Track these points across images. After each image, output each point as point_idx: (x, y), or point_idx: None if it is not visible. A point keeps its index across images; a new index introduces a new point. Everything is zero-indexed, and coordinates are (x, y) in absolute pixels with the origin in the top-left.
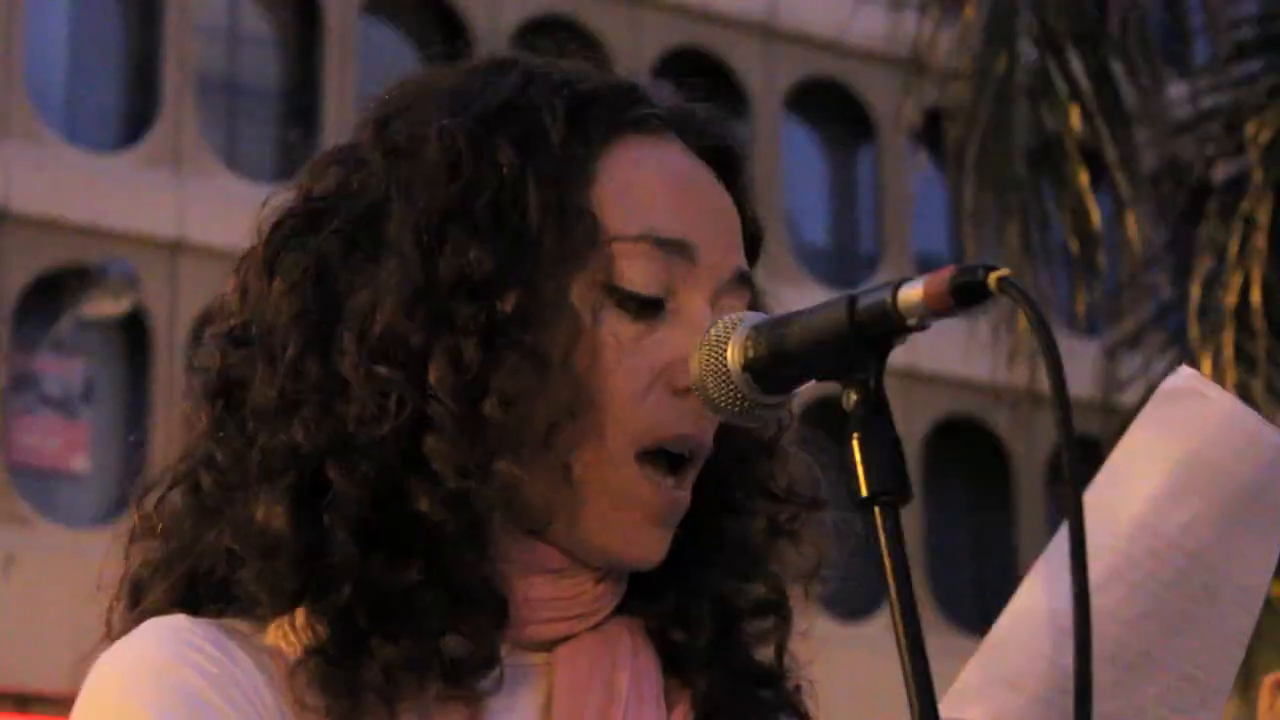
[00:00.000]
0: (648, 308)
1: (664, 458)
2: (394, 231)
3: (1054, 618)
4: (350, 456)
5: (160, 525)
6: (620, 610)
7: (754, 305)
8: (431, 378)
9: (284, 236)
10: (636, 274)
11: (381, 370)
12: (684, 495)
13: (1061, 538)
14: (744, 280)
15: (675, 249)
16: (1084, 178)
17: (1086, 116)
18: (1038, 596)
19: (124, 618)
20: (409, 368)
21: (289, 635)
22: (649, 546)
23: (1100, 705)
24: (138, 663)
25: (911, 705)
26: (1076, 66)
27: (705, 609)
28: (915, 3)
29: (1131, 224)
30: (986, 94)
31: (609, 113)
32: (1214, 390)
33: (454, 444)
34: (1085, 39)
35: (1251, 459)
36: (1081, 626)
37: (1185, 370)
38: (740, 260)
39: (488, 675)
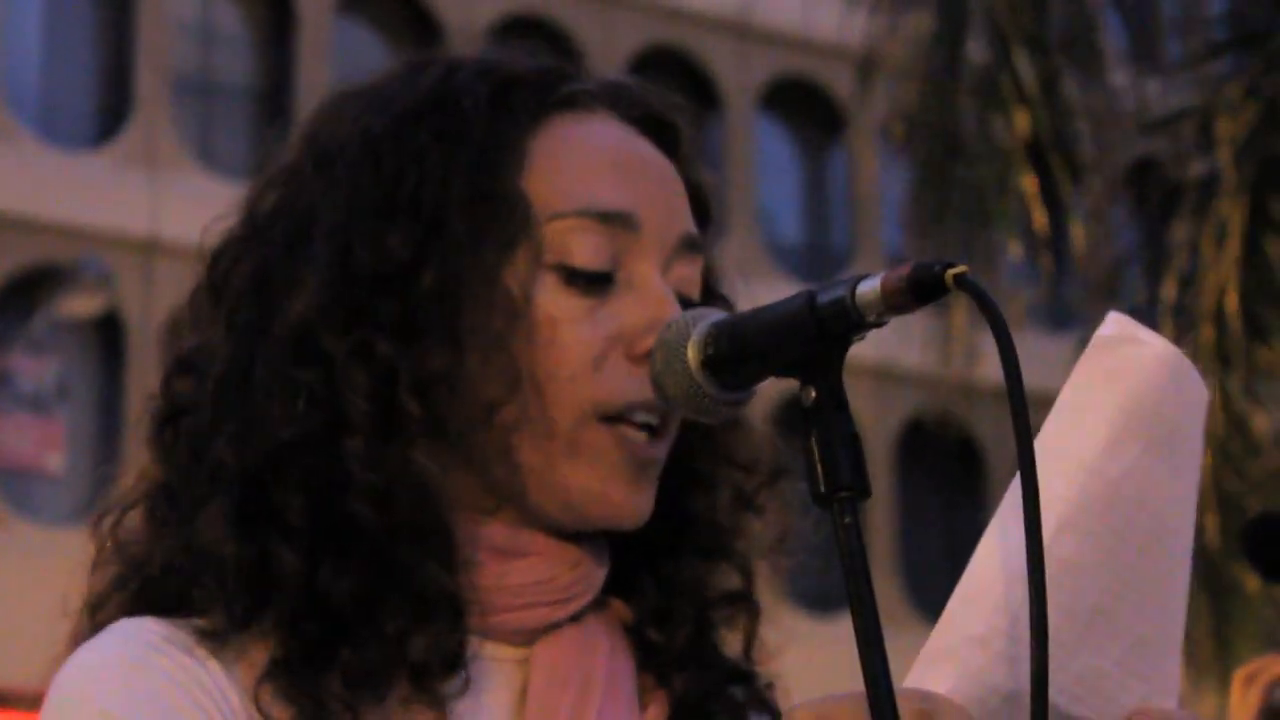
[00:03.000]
0: (597, 282)
1: (630, 423)
2: (318, 235)
3: (1013, 573)
4: (280, 465)
5: (117, 547)
6: (601, 600)
7: (707, 274)
8: (339, 374)
9: (228, 259)
10: (580, 249)
11: (296, 373)
12: (658, 450)
13: (1013, 494)
14: (693, 246)
15: (617, 221)
16: (1030, 183)
17: (1035, 122)
18: (996, 553)
19: (85, 634)
20: (323, 367)
21: (261, 642)
22: (627, 503)
23: (1067, 665)
24: (104, 665)
25: (870, 699)
26: (1026, 71)
27: (684, 606)
28: (868, 2)
29: (1078, 231)
30: (933, 99)
31: (536, 93)
32: (1146, 334)
33: (366, 440)
34: (1033, 42)
35: (1182, 401)
36: (1039, 616)
37: (1116, 315)
38: (687, 226)
39: (454, 677)
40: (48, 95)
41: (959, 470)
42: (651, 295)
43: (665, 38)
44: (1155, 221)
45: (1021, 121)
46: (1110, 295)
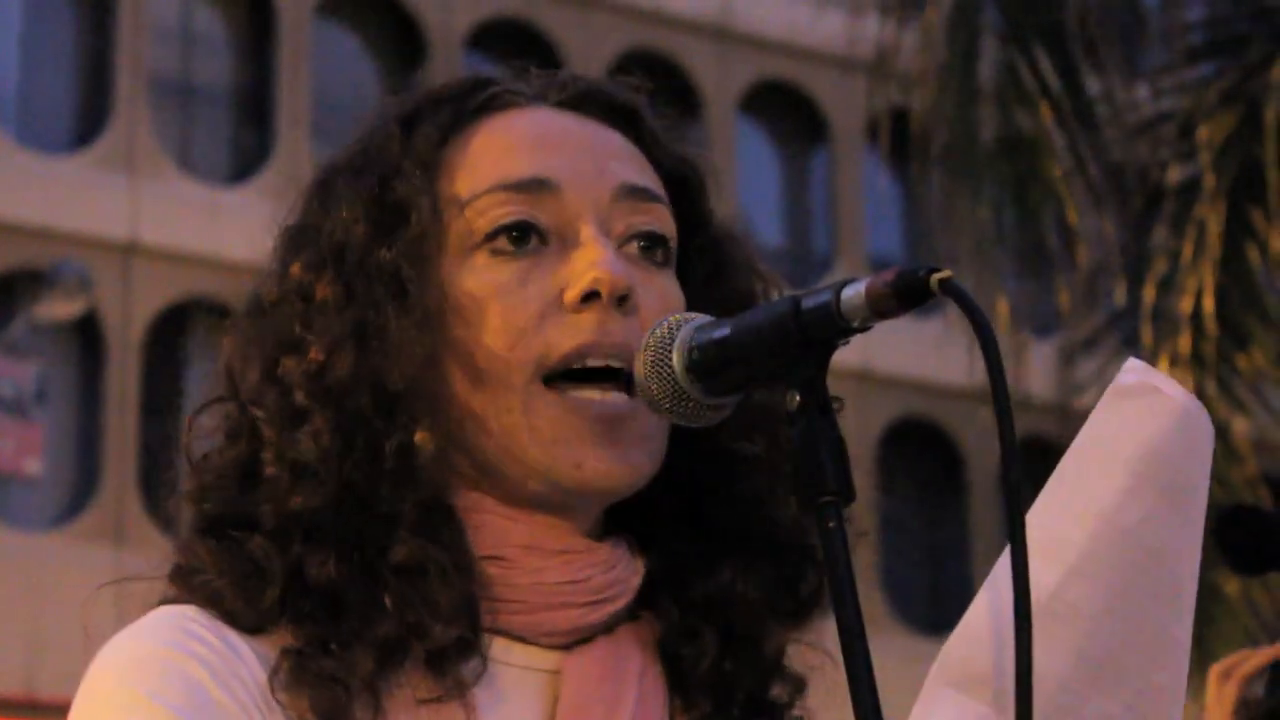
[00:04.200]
0: (521, 236)
1: (579, 375)
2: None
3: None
4: (236, 488)
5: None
6: (635, 615)
7: (712, 239)
8: (250, 401)
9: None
10: (499, 219)
11: (223, 407)
12: (618, 400)
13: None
14: (638, 194)
15: (531, 186)
16: (1058, 171)
17: (1056, 112)
18: (1000, 591)
19: None
20: (242, 396)
21: (285, 632)
22: (606, 464)
23: (1075, 709)
24: (141, 651)
25: (855, 705)
26: (1043, 63)
27: (710, 628)
28: (876, 5)
29: (1105, 220)
30: (950, 90)
31: (453, 106)
32: (1165, 383)
33: (274, 448)
34: (1050, 34)
35: (1196, 451)
36: (1023, 634)
37: (1136, 363)
38: (627, 175)
39: (468, 662)
40: (26, 98)
41: (940, 475)
42: (583, 246)
43: (645, 41)
44: (1135, 226)
45: (1045, 114)
46: (1091, 299)
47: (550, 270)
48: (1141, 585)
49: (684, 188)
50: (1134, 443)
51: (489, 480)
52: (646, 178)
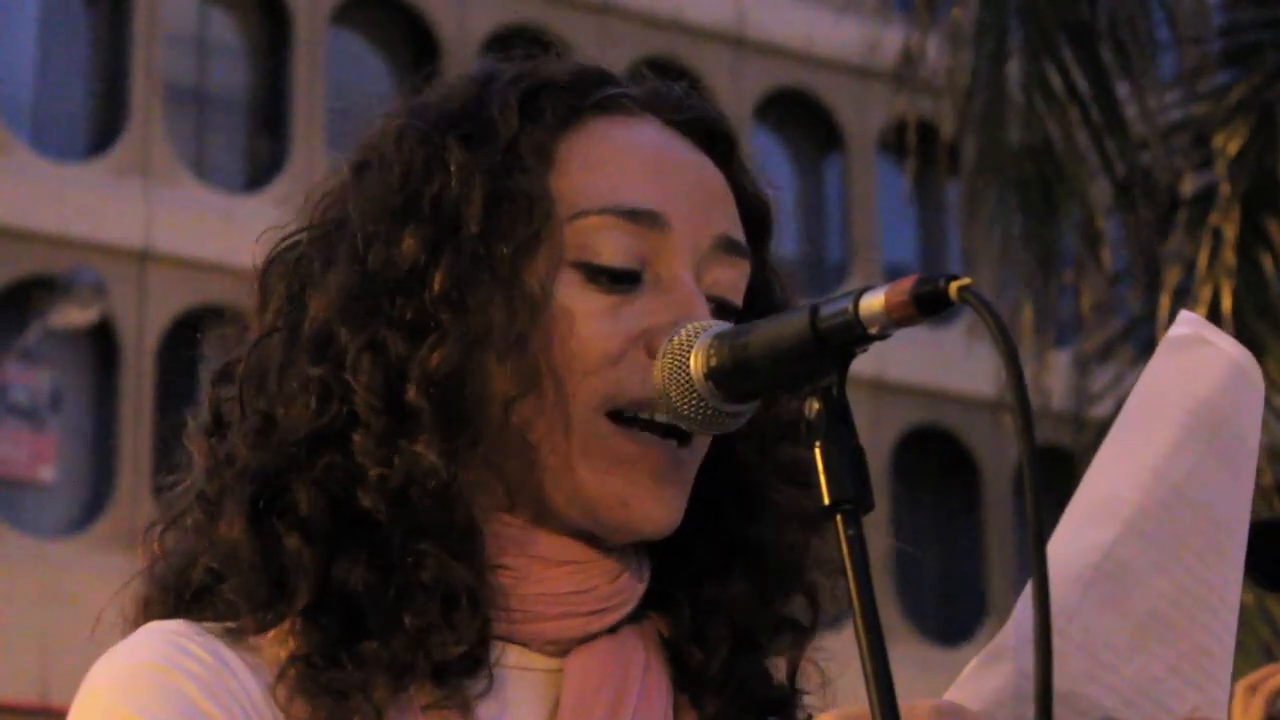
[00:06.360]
0: (621, 281)
1: (645, 425)
2: (344, 237)
3: (1070, 574)
4: (295, 461)
5: (163, 556)
6: (639, 615)
7: (765, 280)
8: (349, 371)
9: (273, 270)
10: (605, 247)
11: (312, 371)
12: (684, 453)
13: (1077, 501)
14: (732, 248)
15: (644, 219)
16: (1084, 174)
17: (1084, 115)
18: (1058, 556)
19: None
20: (338, 364)
21: (286, 641)
22: (652, 509)
23: (1120, 669)
24: (132, 667)
25: (874, 711)
26: (1071, 65)
27: (723, 628)
28: (899, 11)
29: (1130, 224)
30: (978, 94)
31: (572, 96)
32: (1217, 334)
33: (374, 435)
34: (1077, 37)
35: (1246, 404)
36: (1041, 635)
37: (1188, 315)
38: (727, 227)
39: (476, 677)
40: (42, 106)
41: (954, 483)
42: (679, 294)
43: (661, 49)
44: (1150, 235)
45: (1072, 118)
46: (1106, 310)
47: (642, 310)
48: (1189, 542)
49: (755, 226)
50: (1183, 395)
51: (517, 497)
52: (738, 228)
